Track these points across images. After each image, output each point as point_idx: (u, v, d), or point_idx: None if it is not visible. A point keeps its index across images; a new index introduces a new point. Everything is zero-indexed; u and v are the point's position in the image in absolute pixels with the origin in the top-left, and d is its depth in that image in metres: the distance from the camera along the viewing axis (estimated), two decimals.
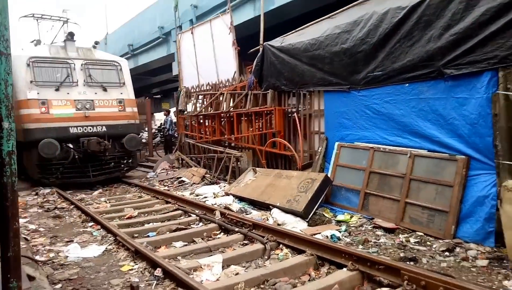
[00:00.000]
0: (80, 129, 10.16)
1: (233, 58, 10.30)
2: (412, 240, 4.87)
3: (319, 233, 5.23)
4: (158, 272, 4.00)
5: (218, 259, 4.45)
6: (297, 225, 5.65)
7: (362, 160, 6.30)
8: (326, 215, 6.07)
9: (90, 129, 10.30)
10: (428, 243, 4.75)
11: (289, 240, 4.88)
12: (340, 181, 6.58)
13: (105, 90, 10.71)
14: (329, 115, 7.18)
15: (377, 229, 5.33)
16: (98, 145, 10.08)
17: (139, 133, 12.17)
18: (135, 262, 4.47)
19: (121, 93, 11.00)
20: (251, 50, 8.97)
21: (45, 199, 8.59)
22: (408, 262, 4.09)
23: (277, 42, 8.15)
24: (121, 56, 25.37)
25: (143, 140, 15.96)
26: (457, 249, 4.47)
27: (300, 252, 4.61)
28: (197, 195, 8.25)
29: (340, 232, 5.27)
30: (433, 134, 5.35)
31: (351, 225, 5.58)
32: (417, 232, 5.06)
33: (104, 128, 10.45)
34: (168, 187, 9.69)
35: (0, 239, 1.76)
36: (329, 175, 6.61)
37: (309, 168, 7.31)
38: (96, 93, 10.56)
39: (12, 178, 1.77)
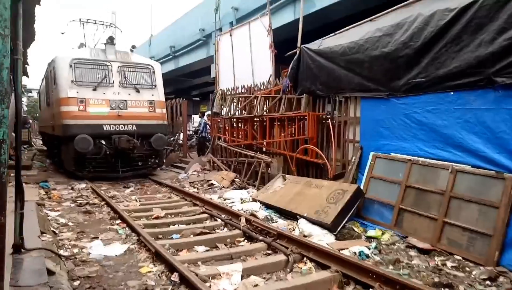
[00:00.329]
0: (112, 127, 10.74)
1: (270, 61, 10.14)
2: (449, 264, 4.42)
3: (347, 248, 4.91)
4: (175, 277, 3.89)
5: (238, 267, 4.27)
6: (324, 238, 5.34)
7: (399, 172, 5.88)
8: (356, 229, 5.71)
9: (122, 128, 10.86)
10: (467, 269, 4.29)
11: (314, 254, 4.62)
12: (373, 194, 6.19)
13: (137, 91, 11.28)
14: (366, 123, 6.81)
15: (410, 249, 4.92)
16: (128, 143, 10.62)
17: (167, 133, 12.62)
18: (154, 264, 4.38)
19: (152, 95, 11.55)
20: (289, 53, 8.74)
21: (79, 194, 8.82)
22: (443, 289, 3.70)
23: (314, 45, 7.88)
24: (163, 57, 26.13)
25: (179, 141, 16.20)
26: (501, 279, 3.99)
27: (325, 267, 4.34)
28: (224, 199, 8.13)
29: (369, 249, 4.91)
30: (478, 148, 4.87)
31: (382, 243, 5.19)
32: (455, 256, 4.60)
33: (134, 127, 10.99)
34: (197, 189, 9.66)
35: None
36: (361, 187, 6.25)
37: (341, 178, 6.96)
38: (129, 94, 11.14)
39: (1, 169, 1.59)
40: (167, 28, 26.25)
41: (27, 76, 11.48)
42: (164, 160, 14.90)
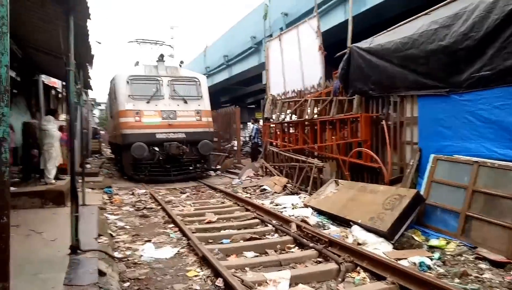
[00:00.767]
0: (164, 135, 11.92)
1: (319, 63, 9.90)
2: None
3: (406, 258, 4.54)
4: (219, 282, 3.84)
5: (286, 275, 4.11)
6: (379, 247, 5.00)
7: (464, 176, 5.35)
8: (416, 238, 5.27)
9: (172, 135, 12.03)
10: None
11: (368, 263, 4.32)
12: (435, 200, 5.69)
13: (185, 102, 12.51)
14: (424, 123, 6.32)
15: (480, 261, 4.41)
16: (178, 149, 11.82)
17: (213, 140, 13.62)
18: (201, 269, 4.39)
19: (199, 105, 12.75)
20: (338, 54, 8.46)
21: (138, 199, 9.24)
22: None
23: (365, 43, 7.53)
24: (217, 67, 26.85)
25: (235, 148, 16.41)
26: None
27: (380, 278, 4.04)
28: (276, 205, 8.00)
29: (431, 259, 4.49)
30: None
31: (447, 253, 4.72)
32: None
33: (183, 135, 12.14)
34: (250, 194, 9.65)
35: None
36: (421, 192, 5.78)
37: (399, 183, 6.51)
38: (178, 105, 12.41)
39: (2, 167, 1.58)
40: (220, 38, 26.98)
41: (91, 89, 12.43)
42: (220, 166, 15.30)
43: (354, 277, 4.18)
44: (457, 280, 3.94)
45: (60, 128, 11.16)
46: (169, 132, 11.99)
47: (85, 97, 22.77)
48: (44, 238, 4.81)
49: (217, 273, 4.03)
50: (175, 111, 12.23)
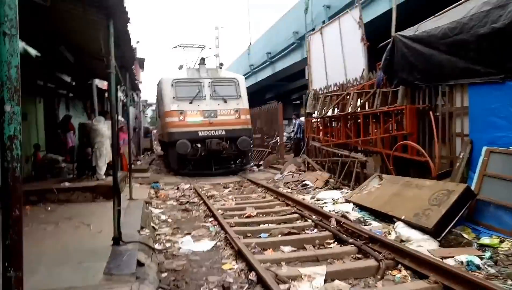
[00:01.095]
0: (205, 133, 12.79)
1: (362, 55, 9.54)
2: None
3: (452, 257, 4.26)
4: (252, 276, 3.85)
5: (321, 270, 4.03)
6: (424, 244, 4.72)
7: None
8: (465, 235, 4.92)
9: (213, 133, 12.86)
10: None
11: (410, 261, 4.12)
12: (487, 195, 5.26)
13: (225, 101, 13.26)
14: (476, 114, 5.87)
15: None
16: (218, 145, 12.63)
17: (251, 136, 14.29)
18: (236, 262, 4.42)
19: (238, 104, 13.44)
20: (382, 44, 8.09)
21: (182, 194, 9.55)
22: None
23: (409, 31, 7.13)
24: (261, 64, 26.95)
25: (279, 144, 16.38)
26: None
27: (422, 277, 3.82)
28: (317, 200, 7.88)
29: (482, 259, 4.16)
30: None
31: (500, 252, 4.36)
32: None
33: (223, 132, 12.91)
34: (291, 189, 9.59)
35: (2, 227, 1.67)
36: (472, 186, 5.38)
37: (447, 177, 6.11)
38: (218, 104, 13.20)
39: (13, 163, 1.66)
40: (263, 35, 27.04)
41: (139, 90, 13.15)
42: (263, 162, 15.40)
43: (394, 275, 3.99)
44: (510, 282, 3.61)
45: (120, 128, 12.40)
46: (210, 130, 12.83)
47: (136, 98, 24.02)
48: (92, 230, 5.13)
49: (251, 267, 4.04)
50: (215, 110, 13.06)
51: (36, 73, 8.60)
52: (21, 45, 9.10)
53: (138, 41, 18.80)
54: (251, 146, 14.46)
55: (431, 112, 6.84)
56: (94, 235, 4.90)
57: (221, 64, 14.93)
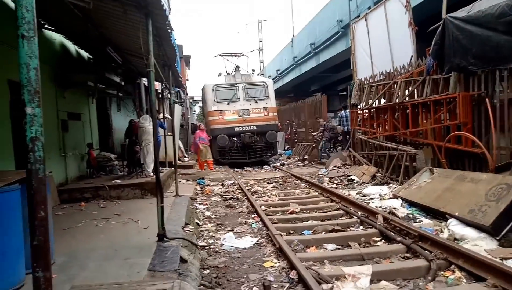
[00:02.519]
0: (240, 128, 15.67)
1: (410, 41, 8.99)
2: None
3: None
4: (293, 274, 3.77)
5: (367, 270, 3.85)
6: (481, 243, 4.36)
7: None
8: None
9: (246, 128, 15.73)
10: None
11: (464, 261, 3.83)
12: None
13: (256, 102, 16.02)
14: None
15: None
16: (250, 138, 15.51)
17: (277, 130, 17.16)
18: (278, 260, 4.37)
19: (266, 103, 16.15)
20: (432, 28, 7.55)
21: (226, 190, 9.65)
22: None
23: (462, 12, 6.58)
24: (304, 56, 26.45)
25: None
26: None
27: (479, 279, 3.53)
28: (363, 196, 7.60)
29: None
30: None
31: None
32: None
33: (254, 127, 15.77)
34: (336, 185, 9.35)
35: (29, 228, 1.69)
36: None
37: (507, 170, 5.59)
38: (250, 104, 15.99)
39: (36, 165, 1.67)
40: (306, 26, 26.48)
41: (183, 88, 13.58)
42: (307, 156, 15.27)
43: (447, 276, 3.73)
44: None
45: (198, 127, 14.20)
46: (244, 126, 15.67)
47: (182, 95, 24.69)
48: (139, 226, 5.33)
49: (292, 265, 3.96)
50: (248, 109, 15.85)
51: (87, 74, 9.07)
52: (74, 48, 9.67)
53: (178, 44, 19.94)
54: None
55: (487, 99, 6.28)
56: (140, 231, 5.08)
57: (253, 70, 18.16)
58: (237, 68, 17.31)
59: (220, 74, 17.84)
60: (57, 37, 8.63)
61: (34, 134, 1.69)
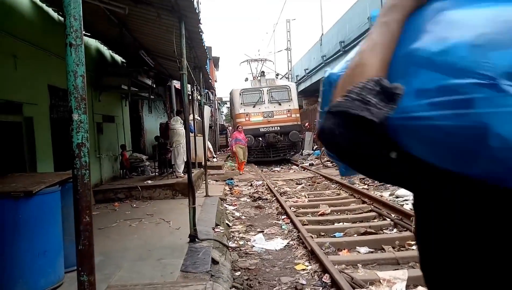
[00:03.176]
0: (265, 129, 16.74)
1: None
2: None
3: None
4: (326, 278, 3.70)
5: (402, 275, 3.73)
6: None
7: None
8: None
9: (271, 129, 16.76)
10: None
11: None
12: None
13: (279, 104, 17.12)
14: None
15: None
16: (274, 138, 16.57)
17: (300, 130, 17.97)
18: (309, 262, 4.31)
19: (289, 105, 17.19)
20: None
21: (255, 190, 9.65)
22: None
23: None
24: (334, 54, 26.03)
25: None
26: None
27: None
28: (396, 197, 7.38)
29: None
30: None
31: None
32: None
33: (278, 128, 16.81)
34: (368, 185, 9.14)
35: (75, 233, 1.73)
36: None
37: None
38: (274, 106, 17.08)
39: (82, 171, 1.70)
40: (335, 24, 26.05)
41: (213, 89, 13.71)
42: None
43: None
44: None
45: (236, 128, 14.63)
46: (269, 126, 16.77)
47: (211, 96, 25.03)
48: (171, 227, 5.41)
49: (324, 269, 3.89)
50: (272, 111, 16.96)
51: (121, 78, 9.35)
52: (108, 52, 9.99)
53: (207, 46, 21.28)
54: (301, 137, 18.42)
55: None
56: (172, 231, 5.16)
57: (277, 74, 21.17)
58: (262, 73, 19.62)
59: (246, 79, 20.48)
60: (93, 43, 8.94)
61: (81, 140, 1.72)
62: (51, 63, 6.26)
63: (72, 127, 1.71)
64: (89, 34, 8.29)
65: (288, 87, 18.05)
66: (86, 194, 1.72)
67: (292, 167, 15.47)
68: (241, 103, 17.33)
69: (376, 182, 9.23)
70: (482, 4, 0.64)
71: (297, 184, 10.59)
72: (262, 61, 21.28)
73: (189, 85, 15.05)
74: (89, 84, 8.38)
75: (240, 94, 17.58)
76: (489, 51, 0.56)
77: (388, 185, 8.62)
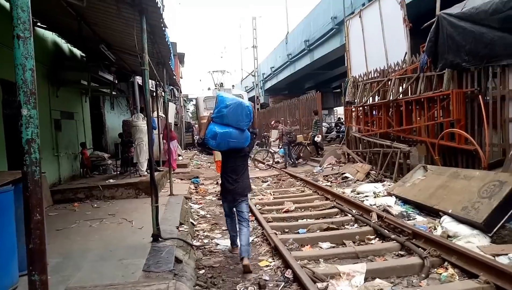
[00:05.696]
0: None
1: (404, 37, 9.04)
2: None
3: (505, 254, 3.92)
4: (288, 273, 3.78)
5: (361, 268, 3.87)
6: (473, 240, 4.41)
7: None
8: None
9: None
10: None
11: (457, 258, 3.86)
12: None
13: None
14: None
15: None
16: None
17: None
18: (273, 259, 4.37)
19: None
20: (426, 24, 7.59)
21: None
22: None
23: (455, 9, 6.63)
24: (299, 53, 26.50)
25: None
26: None
27: (472, 276, 3.56)
28: (358, 193, 7.63)
29: None
30: None
31: None
32: None
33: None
34: (331, 183, 9.36)
35: (25, 231, 1.68)
36: None
37: (499, 167, 5.64)
38: None
39: (32, 167, 1.66)
40: (300, 23, 26.47)
41: (177, 86, 13.37)
42: (302, 154, 15.25)
43: (440, 273, 3.76)
44: None
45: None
46: None
47: (176, 93, 24.75)
48: (133, 226, 5.29)
49: (287, 264, 3.97)
50: None
51: (80, 72, 9.00)
52: (67, 46, 9.58)
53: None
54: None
55: (480, 96, 6.33)
56: (135, 231, 5.06)
57: (233, 86, 25.77)
58: (221, 85, 24.90)
59: (209, 88, 25.71)
60: (50, 35, 8.54)
61: (30, 136, 1.67)
62: (3, 56, 5.91)
63: (21, 123, 1.66)
64: (45, 26, 7.91)
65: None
66: (36, 192, 1.67)
67: (258, 165, 15.56)
68: (204, 108, 21.25)
69: (338, 179, 9.51)
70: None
71: (263, 181, 10.67)
72: (222, 72, 27.21)
73: (152, 81, 14.78)
74: (46, 79, 8.07)
75: (203, 100, 22.21)
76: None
77: (350, 182, 8.92)
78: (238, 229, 4.41)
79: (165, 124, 12.83)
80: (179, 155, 17.03)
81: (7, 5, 6.40)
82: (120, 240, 4.63)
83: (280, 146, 17.06)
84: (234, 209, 4.47)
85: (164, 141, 12.41)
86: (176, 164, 12.55)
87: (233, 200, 4.40)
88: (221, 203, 7.78)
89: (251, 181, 10.62)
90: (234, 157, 4.40)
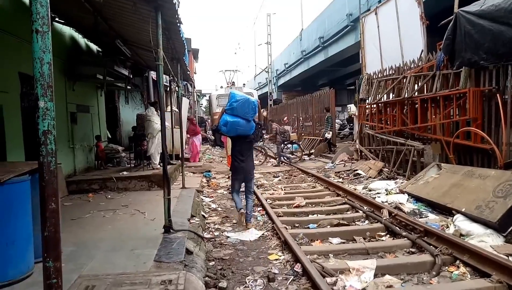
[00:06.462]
0: None
1: (421, 35, 8.90)
2: None
3: None
4: (298, 267, 3.80)
5: (371, 264, 3.86)
6: (487, 240, 4.35)
7: None
8: None
9: None
10: None
11: (470, 257, 3.82)
12: None
13: None
14: None
15: None
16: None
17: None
18: (282, 253, 4.40)
19: None
20: (443, 22, 7.46)
21: None
22: None
23: (474, 6, 6.49)
24: (313, 50, 26.33)
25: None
26: None
27: (484, 275, 3.52)
28: (369, 190, 7.58)
29: None
30: None
31: None
32: None
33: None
34: (342, 179, 9.32)
35: (41, 219, 1.74)
36: None
37: None
38: None
39: (48, 158, 1.71)
40: (315, 20, 26.24)
41: (191, 81, 13.46)
42: (314, 150, 15.22)
43: (451, 272, 3.73)
44: None
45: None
46: None
47: (190, 88, 25.01)
48: (146, 218, 5.38)
49: (296, 258, 3.99)
50: None
51: (96, 67, 9.14)
52: (83, 41, 9.74)
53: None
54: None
55: (498, 95, 6.20)
56: (147, 222, 5.14)
57: (244, 84, 27.04)
58: (233, 83, 26.53)
59: (222, 87, 27.73)
60: (67, 30, 8.69)
61: (47, 128, 1.72)
62: (23, 50, 6.06)
63: (38, 115, 1.71)
64: (62, 22, 8.05)
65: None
66: (52, 181, 1.72)
67: (270, 160, 15.56)
68: (217, 105, 22.55)
69: (350, 176, 9.46)
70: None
71: (274, 177, 10.68)
72: (235, 71, 29.51)
73: (166, 76, 14.89)
74: (63, 73, 8.23)
75: (216, 98, 23.70)
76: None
77: (362, 179, 8.86)
78: (245, 199, 5.78)
79: (192, 119, 13.03)
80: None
81: (26, 1, 6.55)
82: (132, 231, 4.72)
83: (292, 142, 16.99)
84: (242, 184, 5.73)
85: (188, 135, 12.65)
86: (198, 158, 12.82)
87: (243, 178, 5.66)
88: (231, 197, 7.90)
89: (262, 175, 10.73)
90: (241, 142, 5.60)
